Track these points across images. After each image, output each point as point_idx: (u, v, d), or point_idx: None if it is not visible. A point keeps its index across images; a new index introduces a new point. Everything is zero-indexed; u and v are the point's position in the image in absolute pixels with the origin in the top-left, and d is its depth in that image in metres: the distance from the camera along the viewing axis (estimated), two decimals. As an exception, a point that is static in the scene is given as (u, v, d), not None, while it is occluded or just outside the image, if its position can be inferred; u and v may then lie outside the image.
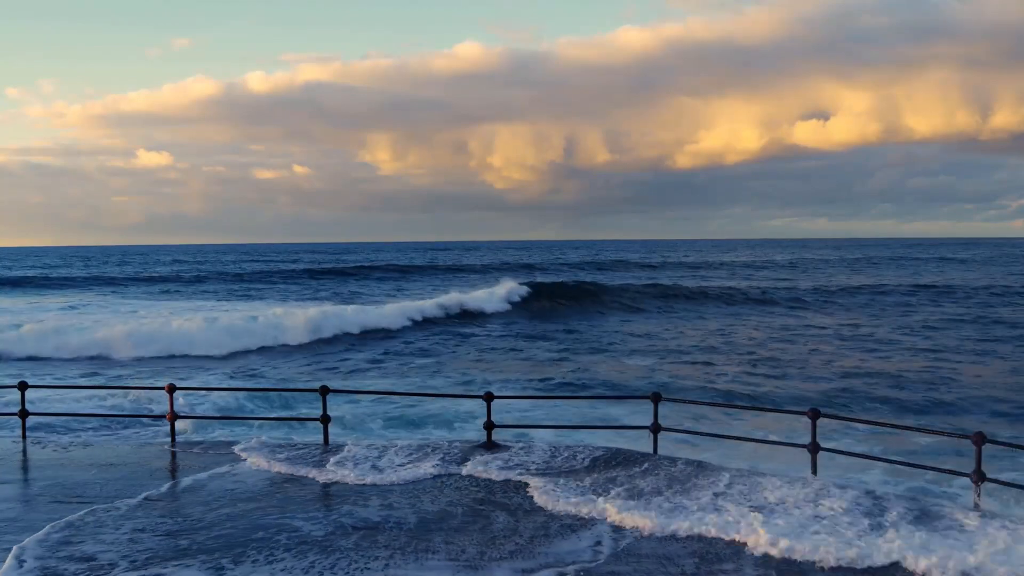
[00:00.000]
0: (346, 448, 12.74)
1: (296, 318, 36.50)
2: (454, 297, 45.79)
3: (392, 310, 41.52)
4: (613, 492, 10.30)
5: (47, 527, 9.27)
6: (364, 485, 10.99)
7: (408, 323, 39.84)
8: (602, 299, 50.93)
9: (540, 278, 57.82)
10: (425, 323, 40.76)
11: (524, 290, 49.28)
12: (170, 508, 10.03)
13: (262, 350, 32.51)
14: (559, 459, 11.99)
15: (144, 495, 10.56)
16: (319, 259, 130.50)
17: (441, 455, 12.23)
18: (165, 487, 10.97)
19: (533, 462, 11.85)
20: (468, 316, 43.33)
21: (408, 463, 11.84)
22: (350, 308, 41.77)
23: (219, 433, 16.47)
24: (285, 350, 32.78)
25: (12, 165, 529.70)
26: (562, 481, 10.84)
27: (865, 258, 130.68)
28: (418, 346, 34.04)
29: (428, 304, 44.00)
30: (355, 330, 36.71)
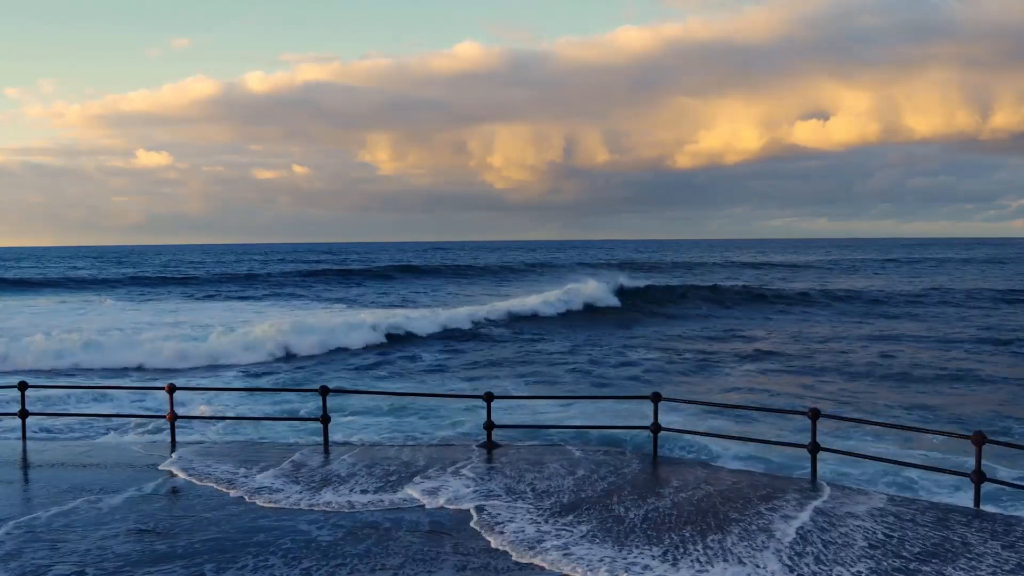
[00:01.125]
0: (301, 456, 12.16)
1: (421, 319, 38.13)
2: (539, 298, 45.86)
3: (492, 308, 42.70)
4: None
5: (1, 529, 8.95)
6: (289, 511, 9.71)
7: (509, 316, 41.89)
8: (720, 299, 51.37)
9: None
10: (522, 320, 41.67)
11: (607, 292, 49.02)
12: (154, 509, 9.78)
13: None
14: (570, 479, 10.69)
15: (127, 495, 10.34)
16: (362, 260, 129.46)
17: (425, 468, 11.33)
18: (150, 487, 10.73)
19: (529, 488, 10.34)
20: (549, 318, 43.35)
21: (373, 488, 10.47)
22: (427, 310, 42.52)
23: (220, 432, 16.47)
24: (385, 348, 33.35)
25: (12, 165, 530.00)
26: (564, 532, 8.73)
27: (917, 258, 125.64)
28: (516, 345, 34.52)
29: (529, 301, 44.75)
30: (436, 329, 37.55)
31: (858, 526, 8.79)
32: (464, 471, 11.25)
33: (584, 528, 8.89)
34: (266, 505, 9.89)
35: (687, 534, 8.64)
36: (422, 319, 38.58)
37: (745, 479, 10.97)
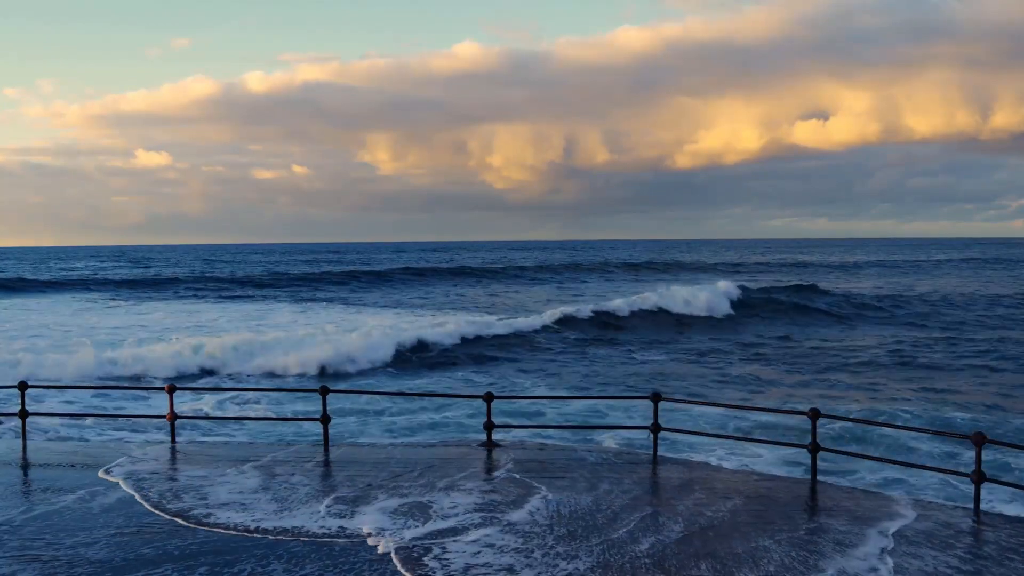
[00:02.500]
0: (281, 461, 11.67)
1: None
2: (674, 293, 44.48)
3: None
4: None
5: None
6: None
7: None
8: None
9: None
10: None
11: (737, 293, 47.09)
12: (45, 529, 9.16)
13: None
14: (564, 487, 9.95)
15: (118, 496, 10.08)
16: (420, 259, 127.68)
17: (416, 478, 10.60)
18: (86, 500, 10.06)
19: (506, 507, 9.27)
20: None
21: (337, 509, 9.32)
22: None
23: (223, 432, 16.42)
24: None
25: (11, 165, 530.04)
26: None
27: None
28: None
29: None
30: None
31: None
32: (453, 483, 10.44)
33: (577, 564, 7.50)
34: (193, 526, 8.92)
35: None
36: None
37: (747, 481, 10.97)
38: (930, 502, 10.37)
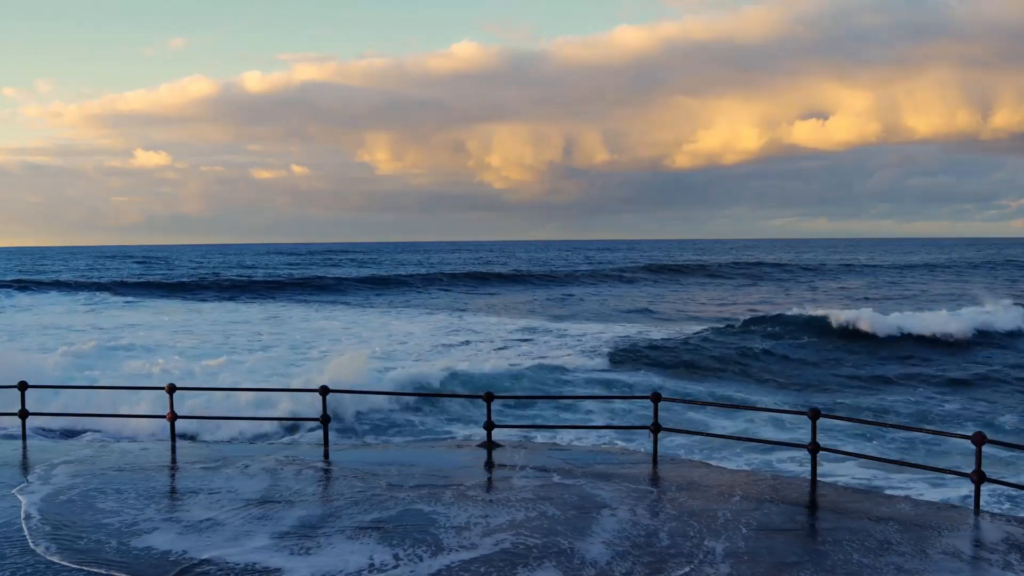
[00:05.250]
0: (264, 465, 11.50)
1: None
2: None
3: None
4: None
5: None
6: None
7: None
8: None
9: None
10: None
11: None
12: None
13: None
14: (564, 492, 10.13)
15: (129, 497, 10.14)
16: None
17: (411, 488, 9.96)
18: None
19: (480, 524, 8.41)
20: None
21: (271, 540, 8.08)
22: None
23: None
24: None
25: (9, 165, 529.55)
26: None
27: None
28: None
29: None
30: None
31: None
32: (443, 495, 9.84)
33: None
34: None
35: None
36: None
37: (749, 480, 10.98)
38: (931, 502, 10.38)
